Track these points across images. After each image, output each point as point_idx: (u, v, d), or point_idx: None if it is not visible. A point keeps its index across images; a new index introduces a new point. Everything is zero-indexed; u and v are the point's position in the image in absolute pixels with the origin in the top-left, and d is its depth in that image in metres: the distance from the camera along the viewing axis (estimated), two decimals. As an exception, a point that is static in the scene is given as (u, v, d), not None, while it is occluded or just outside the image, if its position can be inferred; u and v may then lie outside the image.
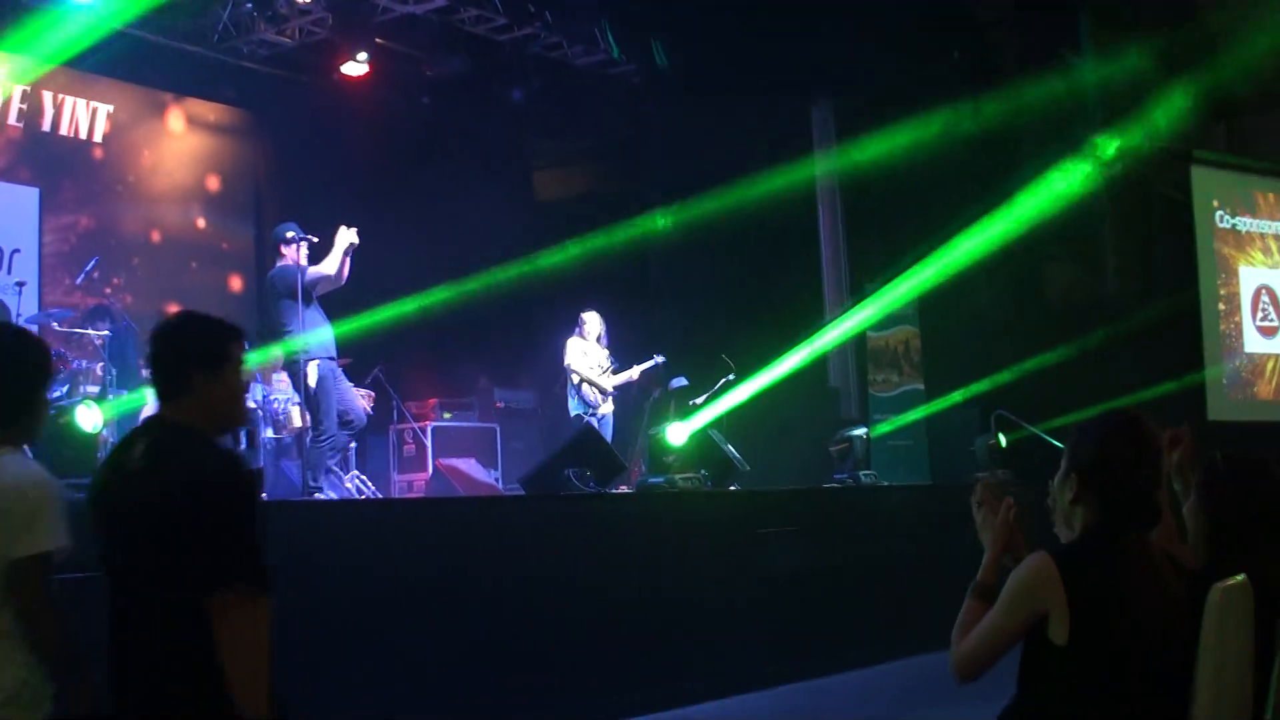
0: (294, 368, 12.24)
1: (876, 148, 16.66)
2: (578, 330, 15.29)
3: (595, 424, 14.57)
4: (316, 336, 12.11)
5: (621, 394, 15.63)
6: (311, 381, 12.10)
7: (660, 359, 15.70)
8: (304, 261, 12.29)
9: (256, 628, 4.16)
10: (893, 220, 17.18)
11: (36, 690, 4.40)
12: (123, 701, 4.30)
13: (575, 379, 15.10)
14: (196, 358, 4.35)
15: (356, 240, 12.34)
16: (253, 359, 14.64)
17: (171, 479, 4.18)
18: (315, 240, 12.44)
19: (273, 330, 12.48)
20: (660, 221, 17.67)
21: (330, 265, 12.21)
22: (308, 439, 12.98)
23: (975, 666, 4.18)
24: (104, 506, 4.42)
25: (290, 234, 12.39)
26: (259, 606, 4.17)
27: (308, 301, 12.13)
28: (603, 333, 15.37)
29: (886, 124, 17.15)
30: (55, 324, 13.96)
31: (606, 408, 15.19)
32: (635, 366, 15.51)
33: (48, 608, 4.44)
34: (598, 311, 15.60)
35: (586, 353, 15.20)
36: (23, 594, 4.36)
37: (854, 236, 18.28)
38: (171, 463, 4.25)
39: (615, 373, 15.28)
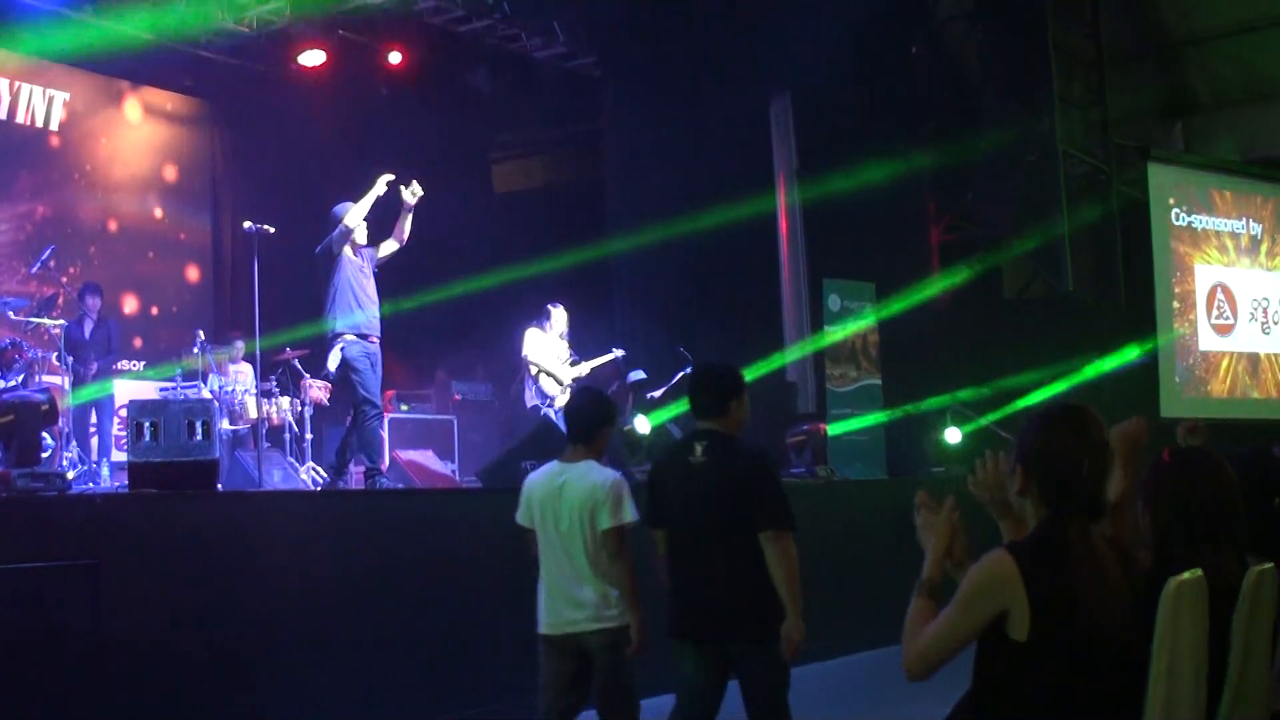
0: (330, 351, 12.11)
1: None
2: (540, 321, 15.08)
3: (552, 416, 14.50)
4: (346, 317, 11.91)
5: (582, 386, 15.49)
6: (331, 365, 11.99)
7: (620, 352, 15.58)
8: (361, 240, 12.18)
9: (792, 552, 6.67)
10: (853, 211, 17.21)
11: (616, 605, 6.84)
12: (691, 606, 6.81)
13: (533, 370, 14.93)
14: (732, 391, 6.94)
15: (413, 197, 12.28)
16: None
17: (738, 465, 6.74)
18: (272, 230, 12.36)
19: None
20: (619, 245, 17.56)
21: (354, 215, 11.99)
22: (263, 429, 12.96)
23: (929, 666, 4.15)
24: (674, 484, 6.86)
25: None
26: (790, 539, 6.70)
27: (331, 275, 12.03)
28: (565, 329, 15.19)
29: (843, 116, 17.25)
30: (11, 313, 13.88)
31: (564, 399, 15.00)
32: (592, 360, 15.36)
33: (627, 559, 6.82)
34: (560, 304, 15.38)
35: (545, 344, 15.04)
36: (613, 549, 6.79)
37: (812, 227, 18.29)
38: (731, 456, 6.75)
39: (573, 365, 15.15)
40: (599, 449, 7.06)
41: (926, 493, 4.53)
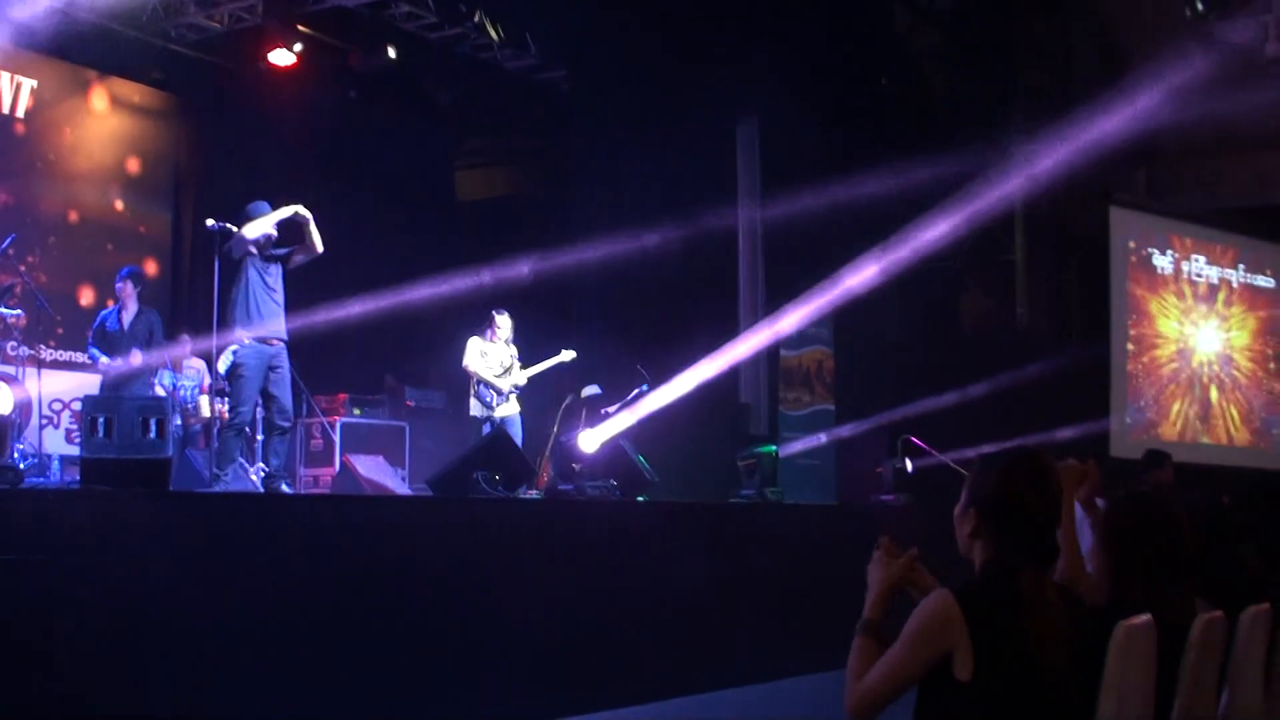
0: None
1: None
2: (483, 330, 15.07)
3: (492, 425, 14.49)
4: (244, 321, 11.78)
5: (534, 398, 15.46)
6: (220, 367, 11.97)
7: (570, 354, 15.48)
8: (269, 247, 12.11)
9: None
10: (810, 240, 17.26)
11: None
12: None
13: (474, 379, 14.93)
14: None
15: (296, 213, 12.10)
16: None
17: None
18: (234, 229, 12.27)
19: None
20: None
21: (253, 230, 11.86)
22: (215, 427, 12.87)
23: (874, 707, 4.15)
24: None
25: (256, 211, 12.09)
26: None
27: (235, 279, 11.94)
28: (511, 335, 15.14)
29: (809, 142, 17.32)
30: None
31: (506, 409, 14.92)
32: (539, 364, 15.29)
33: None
34: (509, 315, 15.34)
35: (486, 353, 14.96)
36: None
37: (772, 250, 18.37)
38: None
39: (524, 367, 15.12)
40: None
41: (890, 540, 4.54)
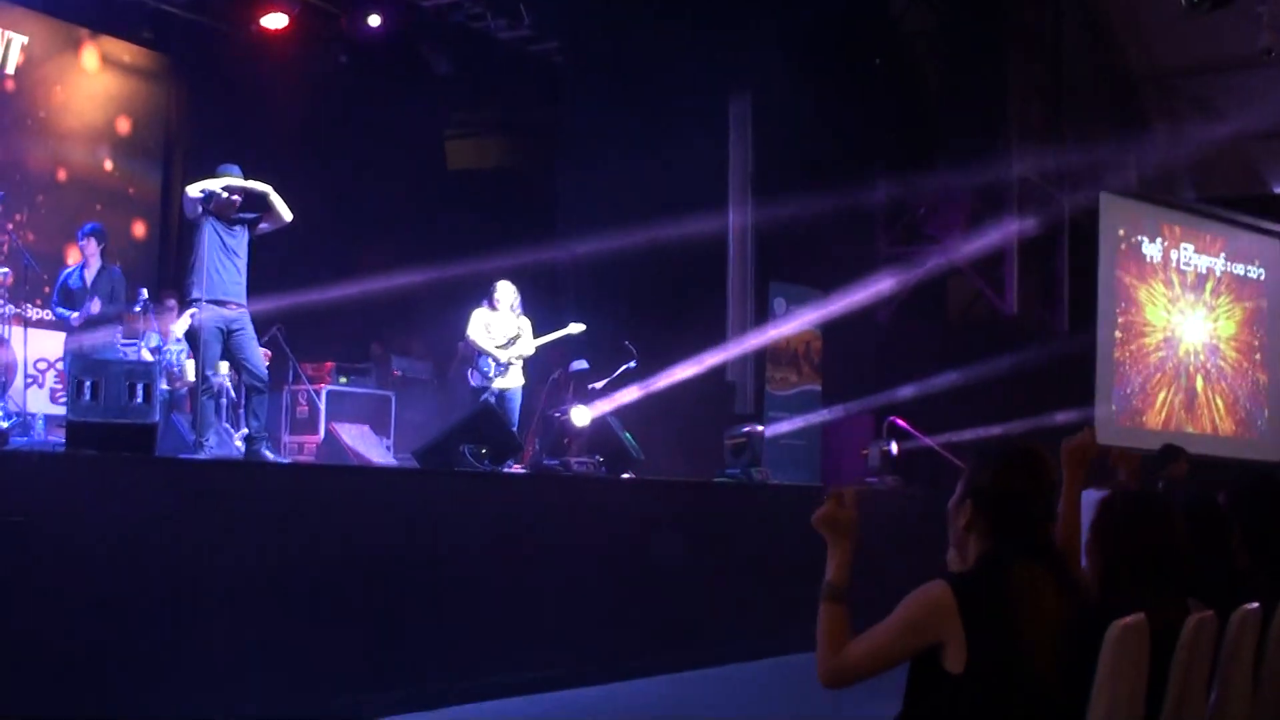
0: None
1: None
2: (486, 300, 14.94)
3: (495, 398, 14.40)
4: (203, 283, 11.60)
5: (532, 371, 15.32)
6: (179, 330, 11.91)
7: (580, 327, 15.29)
8: (231, 211, 11.99)
9: None
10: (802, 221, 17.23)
11: None
12: None
13: (476, 351, 14.81)
14: None
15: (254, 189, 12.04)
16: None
17: None
18: (224, 195, 12.18)
19: None
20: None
21: (195, 187, 11.75)
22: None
23: (848, 681, 4.14)
24: None
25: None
26: None
27: (194, 240, 11.85)
28: (516, 301, 14.97)
29: (802, 121, 17.30)
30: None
31: (507, 381, 14.76)
32: (545, 335, 15.13)
33: None
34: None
35: (490, 324, 14.83)
36: None
37: (763, 229, 18.33)
38: None
39: (535, 337, 14.95)
40: None
41: (846, 490, 4.45)
